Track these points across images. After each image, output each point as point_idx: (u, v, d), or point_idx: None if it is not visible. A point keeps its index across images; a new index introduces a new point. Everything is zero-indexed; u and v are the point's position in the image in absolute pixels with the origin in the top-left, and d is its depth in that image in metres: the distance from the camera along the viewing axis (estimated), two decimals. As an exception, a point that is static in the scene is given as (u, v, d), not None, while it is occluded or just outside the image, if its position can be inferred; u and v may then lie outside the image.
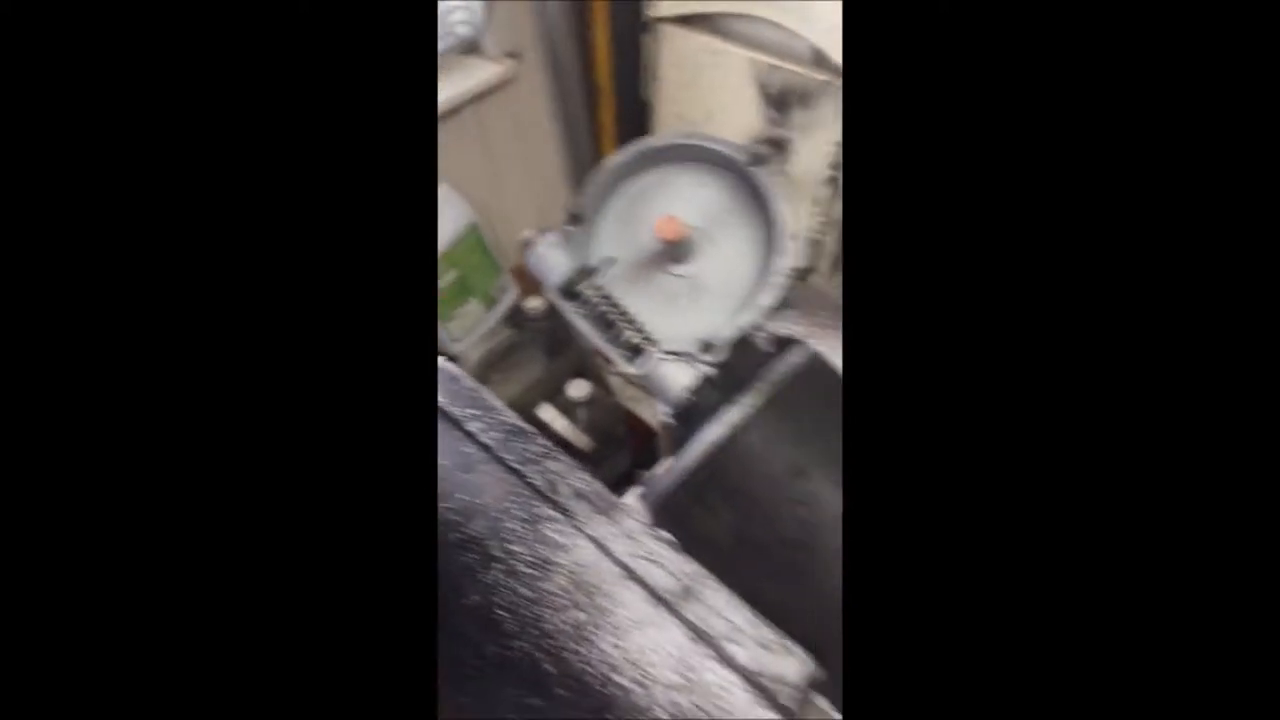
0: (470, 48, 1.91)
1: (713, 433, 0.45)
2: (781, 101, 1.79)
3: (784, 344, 0.48)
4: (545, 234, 0.50)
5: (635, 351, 0.47)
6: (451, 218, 1.79)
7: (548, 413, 2.08)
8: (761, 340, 0.49)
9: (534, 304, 2.13)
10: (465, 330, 2.01)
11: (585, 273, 0.49)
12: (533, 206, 2.19)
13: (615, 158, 0.48)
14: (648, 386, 0.48)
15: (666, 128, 2.01)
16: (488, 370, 2.07)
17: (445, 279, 1.85)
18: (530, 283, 2.07)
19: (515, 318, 2.15)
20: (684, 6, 1.82)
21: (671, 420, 0.49)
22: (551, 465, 0.55)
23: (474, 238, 1.90)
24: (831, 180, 1.77)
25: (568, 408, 2.07)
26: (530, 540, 0.51)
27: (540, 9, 1.91)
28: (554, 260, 0.50)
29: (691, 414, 0.47)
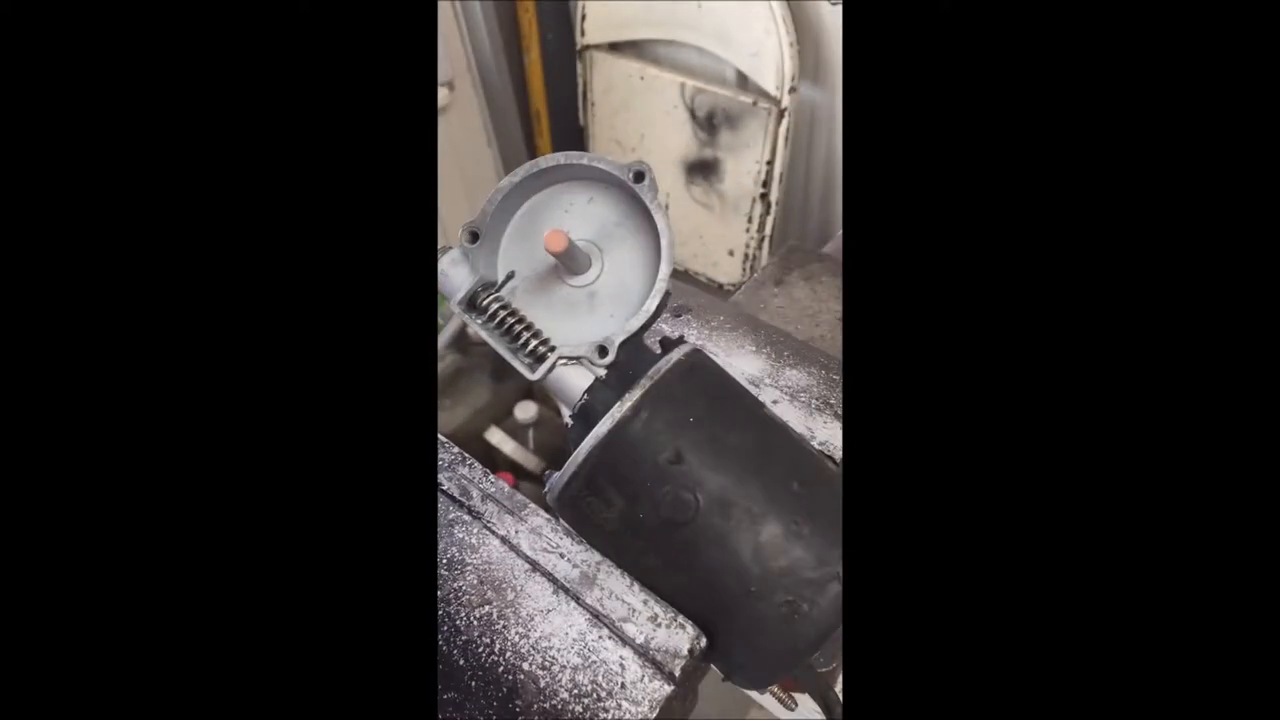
0: (405, 78, 1.95)
1: (601, 427, 0.48)
2: (709, 123, 1.86)
3: (670, 344, 0.52)
4: (446, 251, 0.53)
5: (538, 360, 0.51)
6: (391, 245, 1.81)
7: (496, 435, 2.10)
8: (650, 342, 0.53)
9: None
10: (410, 356, 2.03)
11: (486, 286, 0.52)
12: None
13: (507, 178, 0.52)
14: (549, 391, 0.52)
15: (601, 150, 2.06)
16: (436, 396, 2.08)
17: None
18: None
19: (460, 343, 2.17)
20: (613, 34, 1.88)
21: (570, 420, 0.52)
22: (463, 471, 0.58)
23: (415, 264, 1.92)
24: (762, 198, 1.83)
25: (515, 430, 2.09)
26: (443, 543, 0.54)
27: (471, 39, 1.96)
28: (456, 276, 0.53)
29: (589, 413, 0.51)
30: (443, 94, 1.92)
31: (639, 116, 1.95)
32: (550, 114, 2.06)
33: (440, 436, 0.59)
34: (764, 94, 1.72)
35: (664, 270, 0.48)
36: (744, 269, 1.94)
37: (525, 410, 2.04)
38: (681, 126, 1.89)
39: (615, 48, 1.91)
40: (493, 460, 1.93)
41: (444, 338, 2.12)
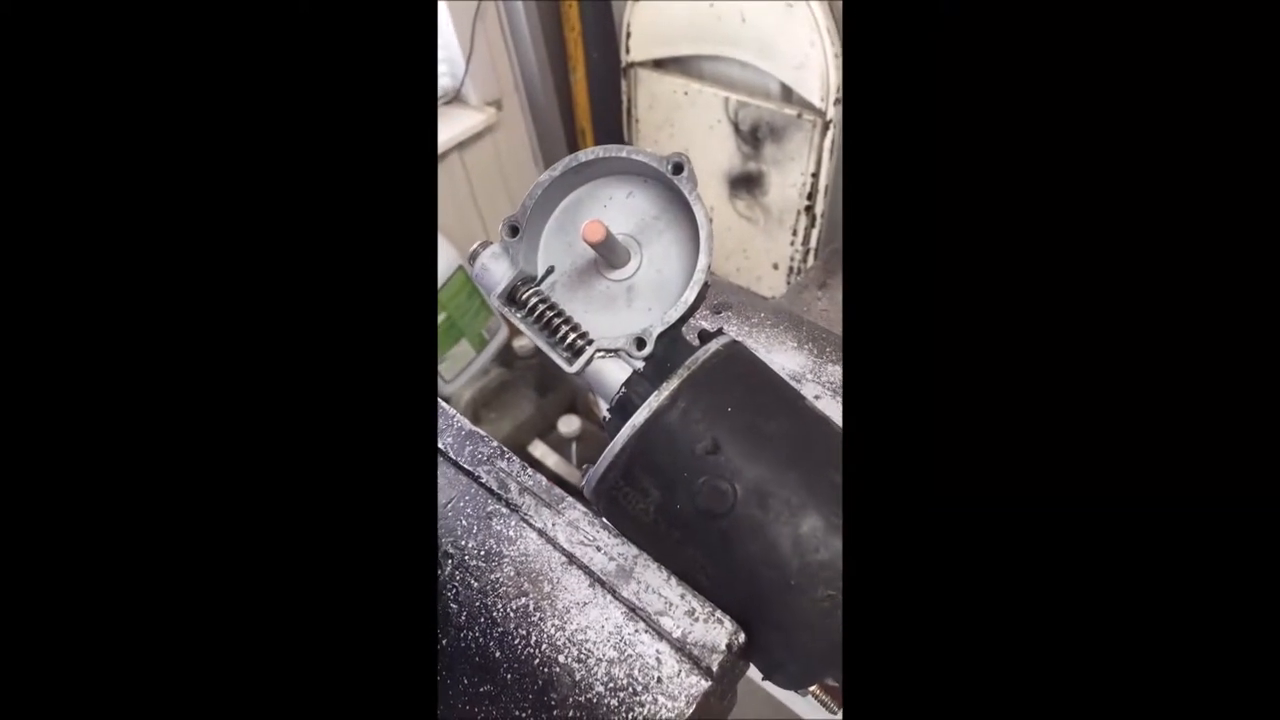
0: (452, 97, 1.99)
1: (638, 417, 0.48)
2: (754, 137, 1.86)
3: (708, 336, 0.51)
4: (486, 246, 0.54)
5: (575, 353, 0.51)
6: (440, 261, 1.84)
7: (539, 449, 2.11)
8: (689, 336, 0.52)
9: (523, 343, 2.17)
10: (456, 371, 2.05)
11: (526, 280, 0.52)
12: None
13: (546, 172, 0.52)
14: (587, 384, 0.52)
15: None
16: (480, 409, 2.10)
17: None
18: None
19: (505, 357, 2.19)
20: (657, 50, 1.90)
21: (608, 414, 0.52)
22: (502, 465, 0.58)
23: (462, 280, 1.95)
24: (807, 210, 1.82)
25: (559, 444, 2.10)
26: (481, 535, 0.54)
27: (518, 59, 2.00)
28: (496, 270, 0.53)
29: (626, 405, 0.50)
30: (490, 113, 1.95)
31: (683, 132, 1.96)
32: (595, 132, 2.08)
33: (480, 430, 0.59)
34: (809, 106, 1.71)
35: (702, 261, 0.48)
36: (788, 282, 1.93)
37: (569, 424, 2.05)
38: (725, 140, 1.89)
39: (659, 64, 1.93)
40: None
41: (489, 353, 2.14)
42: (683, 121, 1.95)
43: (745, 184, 1.92)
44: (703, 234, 0.48)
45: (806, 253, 1.88)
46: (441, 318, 1.96)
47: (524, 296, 0.51)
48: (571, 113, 2.10)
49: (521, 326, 0.52)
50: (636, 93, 2.00)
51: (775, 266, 1.95)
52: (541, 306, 0.51)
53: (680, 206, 0.51)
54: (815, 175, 1.77)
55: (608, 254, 0.52)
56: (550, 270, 0.54)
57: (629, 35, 1.92)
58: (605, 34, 2.00)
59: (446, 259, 1.88)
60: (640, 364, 0.50)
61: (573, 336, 0.50)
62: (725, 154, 1.91)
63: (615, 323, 0.52)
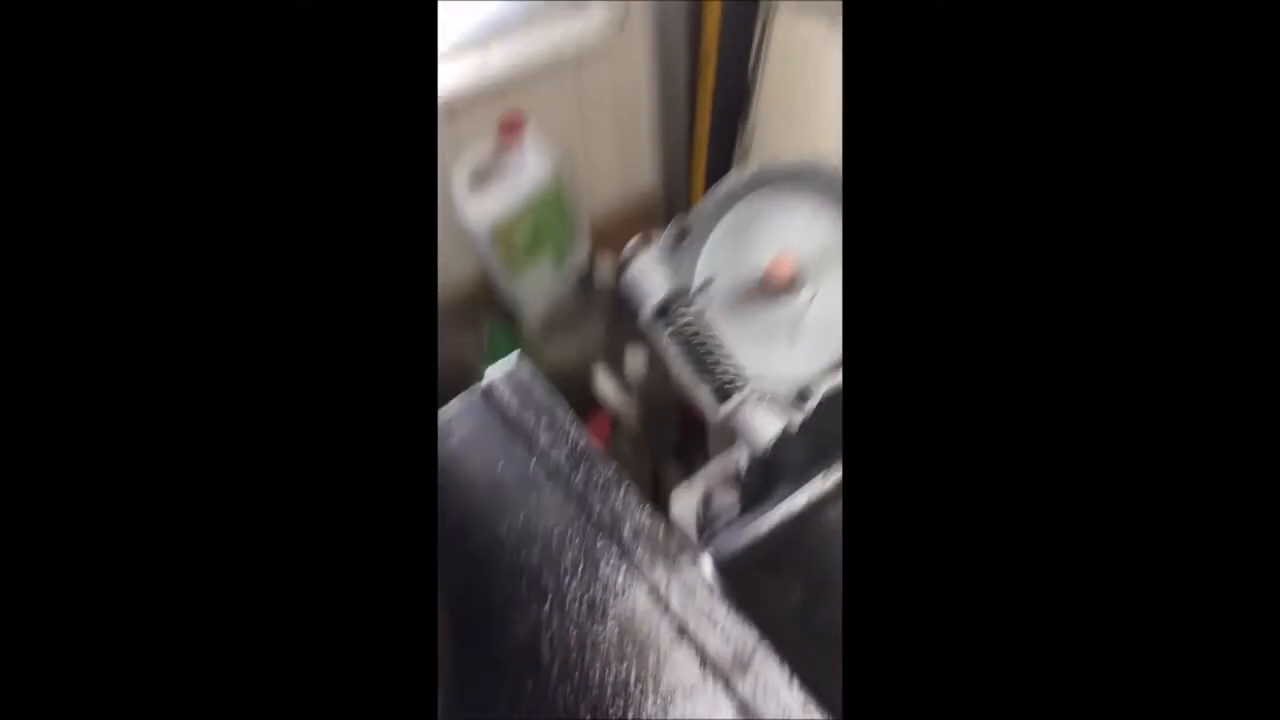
0: None
1: (795, 501, 0.42)
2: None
3: None
4: (646, 248, 0.47)
5: (723, 394, 0.44)
6: (534, 166, 1.76)
7: (602, 380, 2.07)
8: None
9: (606, 268, 2.11)
10: (534, 287, 2.00)
11: (680, 295, 0.46)
12: (619, 172, 2.16)
13: (734, 175, 0.45)
14: (733, 427, 0.46)
15: (766, 113, 1.95)
16: (550, 330, 2.06)
17: (520, 229, 1.83)
18: (603, 243, 2.04)
19: (584, 280, 2.14)
20: (804, -12, 1.74)
21: (748, 467, 0.46)
22: (617, 497, 0.53)
23: (554, 191, 1.87)
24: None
25: (623, 377, 2.06)
26: (586, 577, 0.49)
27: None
28: (653, 279, 0.46)
29: (773, 469, 0.44)
30: (618, 13, 1.83)
31: (814, 86, 1.82)
32: (719, 66, 1.94)
33: (597, 451, 0.54)
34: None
35: None
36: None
37: (635, 358, 2.00)
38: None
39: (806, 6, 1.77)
40: (592, 400, 1.91)
41: (567, 273, 2.08)
42: (816, 76, 1.80)
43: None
44: None
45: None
46: (527, 227, 1.90)
47: (677, 317, 0.45)
48: (699, 39, 1.96)
49: (666, 345, 0.46)
50: (771, 32, 1.85)
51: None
52: (694, 332, 0.45)
53: None
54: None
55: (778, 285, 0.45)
56: (710, 281, 0.47)
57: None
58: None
59: (542, 165, 1.79)
60: (798, 420, 0.44)
61: (725, 375, 0.44)
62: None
63: (773, 359, 0.46)
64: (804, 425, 0.44)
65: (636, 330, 2.20)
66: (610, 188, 2.14)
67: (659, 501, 2.07)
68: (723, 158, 2.12)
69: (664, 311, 0.45)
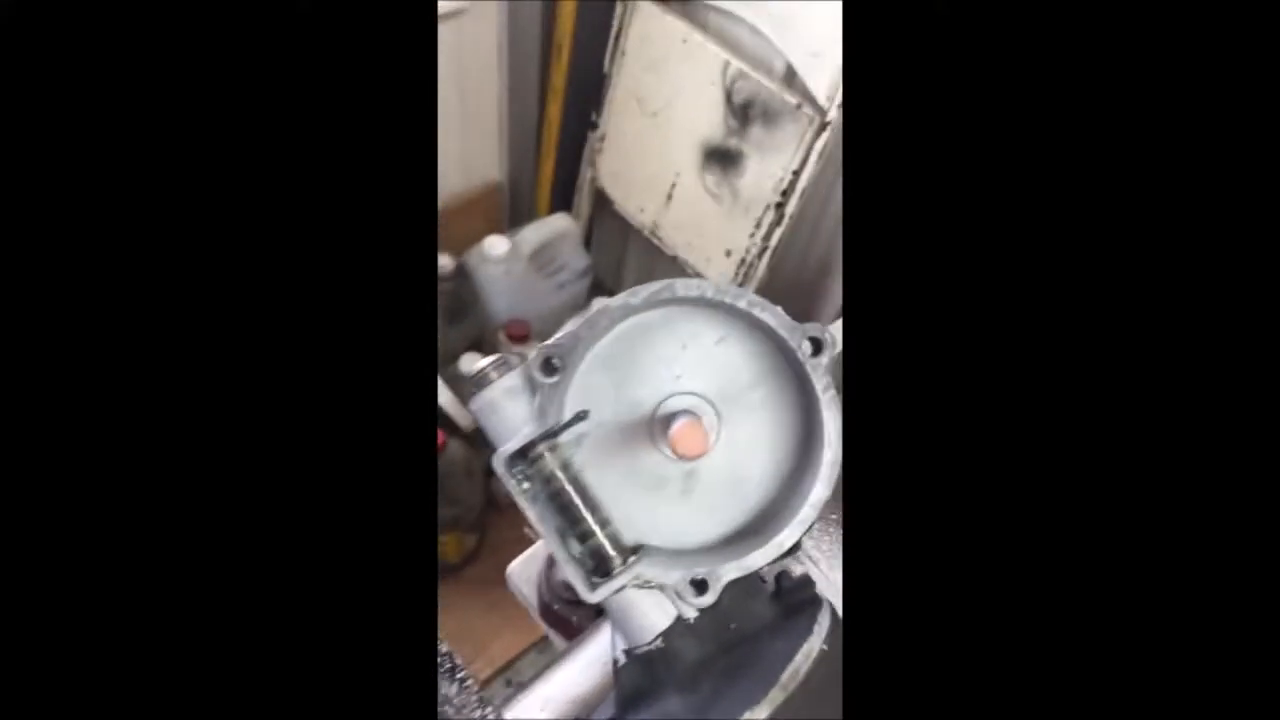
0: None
1: None
2: (744, 113, 1.70)
3: (794, 599, 0.38)
4: (503, 370, 0.38)
5: (601, 569, 0.36)
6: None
7: (440, 385, 1.94)
8: (768, 590, 0.39)
9: (441, 262, 1.98)
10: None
11: (549, 436, 0.37)
12: (463, 162, 2.02)
13: (623, 297, 0.36)
14: (608, 612, 0.38)
15: (619, 105, 1.88)
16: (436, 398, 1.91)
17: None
18: (441, 235, 1.91)
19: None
20: (665, -16, 1.69)
21: (623, 658, 0.38)
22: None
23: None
24: (778, 207, 1.70)
25: (458, 382, 1.94)
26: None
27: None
28: (511, 412, 0.38)
29: (657, 669, 0.37)
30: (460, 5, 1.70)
31: (670, 82, 1.78)
32: (573, 50, 1.86)
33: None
34: (810, 99, 1.57)
35: (819, 493, 0.35)
36: (737, 274, 1.82)
37: (470, 363, 1.89)
38: (713, 107, 1.73)
39: (665, 0, 1.72)
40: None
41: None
42: (673, 72, 1.76)
43: (721, 159, 1.77)
44: (828, 455, 0.36)
45: (764, 250, 1.77)
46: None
47: (540, 460, 0.37)
48: (553, 21, 1.86)
49: (522, 503, 0.37)
50: (630, 23, 1.79)
51: (728, 254, 1.83)
52: (562, 480, 0.37)
53: (791, 383, 0.38)
54: (797, 174, 1.65)
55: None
56: (582, 416, 0.39)
57: (638, -43, 1.70)
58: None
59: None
60: (692, 613, 0.37)
61: (602, 541, 0.36)
62: (709, 121, 1.75)
63: (659, 517, 0.38)
64: (699, 620, 0.37)
65: (473, 332, 2.08)
66: (451, 176, 2.00)
67: (485, 532, 1.97)
68: (572, 151, 2.04)
69: (523, 454, 0.37)
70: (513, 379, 0.37)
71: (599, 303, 0.38)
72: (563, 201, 2.13)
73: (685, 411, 0.34)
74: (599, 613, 0.78)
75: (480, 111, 1.97)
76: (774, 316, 0.35)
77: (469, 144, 2.02)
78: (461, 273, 1.91)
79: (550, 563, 0.88)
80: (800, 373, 0.36)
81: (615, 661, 0.39)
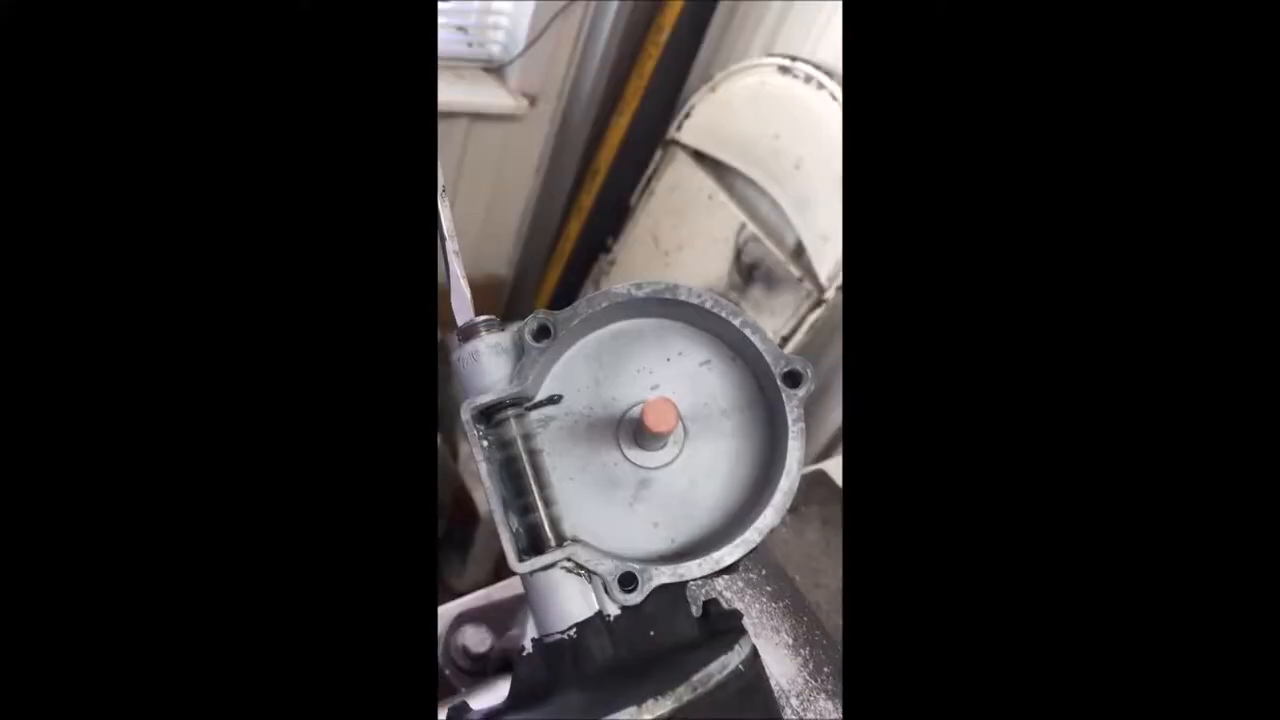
0: (495, 68, 1.85)
1: None
2: (749, 272, 1.80)
3: (719, 626, 0.38)
4: (490, 329, 0.39)
5: (533, 545, 0.37)
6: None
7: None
8: (694, 607, 0.39)
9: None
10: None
11: (517, 402, 0.39)
12: (475, 251, 2.09)
13: (627, 286, 0.39)
14: (525, 590, 0.38)
15: (635, 238, 1.99)
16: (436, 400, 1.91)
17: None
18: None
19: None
20: (706, 143, 1.83)
21: (530, 647, 0.38)
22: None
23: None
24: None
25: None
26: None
27: (580, 65, 1.88)
28: (489, 368, 0.39)
29: (561, 655, 0.37)
30: (521, 104, 1.83)
31: (687, 229, 1.89)
32: (607, 178, 1.98)
33: None
34: (812, 276, 1.68)
35: (767, 519, 0.37)
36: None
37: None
38: (721, 260, 1.83)
39: (700, 156, 1.86)
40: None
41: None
42: (692, 221, 1.88)
43: (717, 309, 1.85)
44: (784, 483, 0.38)
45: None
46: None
47: (503, 424, 0.38)
48: (596, 149, 2.00)
49: (479, 457, 0.38)
50: (665, 169, 1.92)
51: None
52: (520, 450, 0.38)
53: (763, 415, 0.40)
54: (786, 339, 1.72)
55: (650, 436, 0.39)
56: (555, 400, 0.41)
57: (688, 115, 1.85)
58: (664, 107, 1.91)
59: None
60: (615, 610, 0.37)
61: (541, 517, 0.37)
62: (715, 273, 1.85)
63: (604, 517, 0.39)
64: (619, 621, 0.37)
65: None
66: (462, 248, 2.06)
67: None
68: (580, 267, 2.12)
69: (489, 412, 0.38)
70: (501, 337, 0.39)
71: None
72: (558, 312, 2.19)
73: (663, 397, 0.36)
74: (500, 669, 0.74)
75: (505, 211, 2.07)
76: (763, 341, 0.38)
77: (486, 237, 2.10)
78: (440, 349, 1.93)
79: (454, 626, 0.85)
80: (774, 404, 0.38)
81: (520, 650, 0.38)
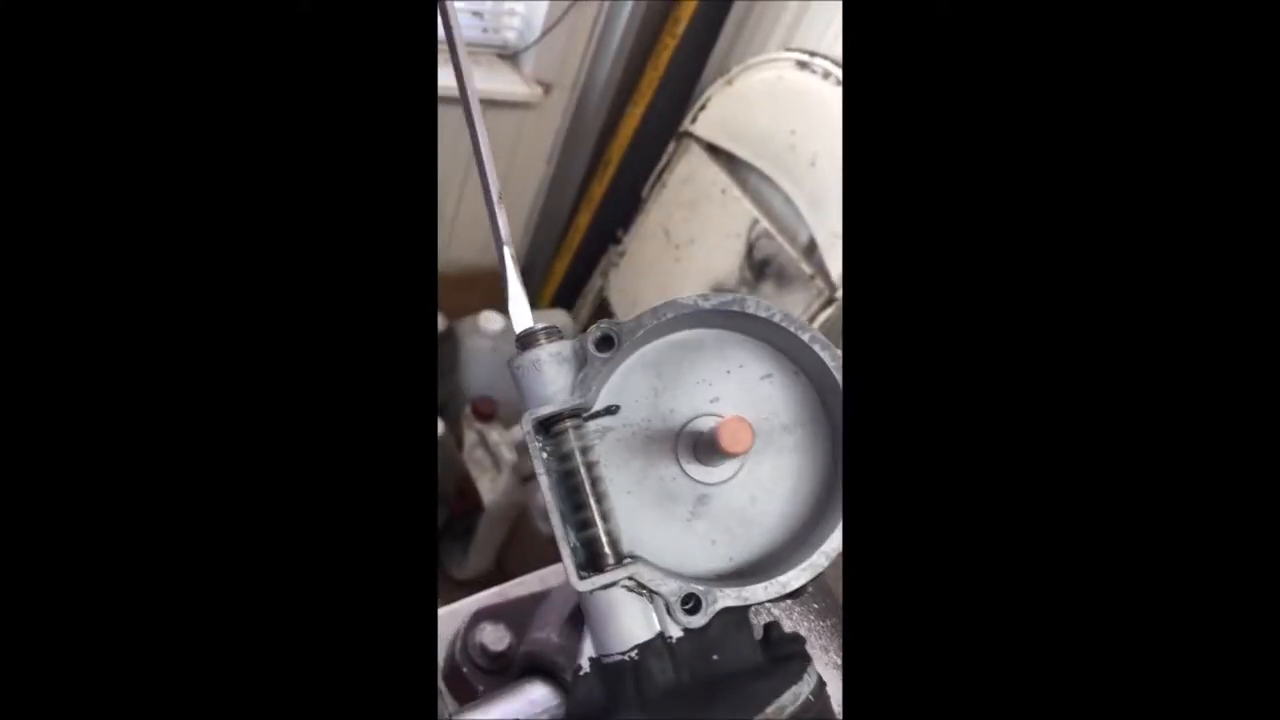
0: (510, 54, 1.83)
1: None
2: (760, 268, 1.79)
3: (781, 651, 0.38)
4: (551, 337, 0.38)
5: (593, 563, 0.36)
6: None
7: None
8: (756, 630, 0.38)
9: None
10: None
11: (576, 413, 0.38)
12: (483, 239, 2.07)
13: (695, 296, 0.38)
14: (583, 608, 0.37)
15: (646, 230, 1.97)
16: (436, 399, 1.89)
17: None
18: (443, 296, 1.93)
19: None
20: (720, 137, 1.82)
21: (586, 667, 0.37)
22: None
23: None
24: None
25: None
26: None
27: (596, 54, 1.86)
28: (552, 378, 0.38)
29: (620, 676, 0.36)
30: (535, 92, 1.81)
31: (699, 222, 1.87)
32: (619, 169, 1.96)
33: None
34: (824, 274, 1.67)
35: (834, 542, 0.36)
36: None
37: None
38: (733, 255, 1.82)
39: (714, 150, 1.85)
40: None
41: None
42: (704, 214, 1.87)
43: (727, 305, 1.85)
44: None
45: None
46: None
47: (561, 435, 0.37)
48: (609, 139, 1.98)
49: (539, 470, 0.37)
50: (678, 161, 1.90)
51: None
52: (578, 462, 0.37)
53: (823, 431, 0.39)
54: (794, 338, 1.71)
55: (708, 447, 0.38)
56: (613, 410, 0.40)
57: (703, 108, 1.83)
58: (679, 99, 1.90)
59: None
60: (677, 632, 0.36)
61: (602, 534, 0.36)
62: (726, 268, 1.84)
63: (661, 533, 0.38)
64: (681, 643, 0.36)
65: (440, 396, 2.05)
66: (468, 245, 2.05)
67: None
68: (589, 257, 2.11)
69: (548, 423, 0.37)
70: (562, 346, 0.38)
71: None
72: (565, 302, 2.18)
73: (737, 416, 0.35)
74: (525, 672, 0.74)
75: (516, 198, 2.05)
76: (833, 358, 0.37)
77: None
78: (450, 337, 1.92)
79: (472, 623, 0.84)
80: (837, 420, 0.38)
81: (577, 670, 0.38)
